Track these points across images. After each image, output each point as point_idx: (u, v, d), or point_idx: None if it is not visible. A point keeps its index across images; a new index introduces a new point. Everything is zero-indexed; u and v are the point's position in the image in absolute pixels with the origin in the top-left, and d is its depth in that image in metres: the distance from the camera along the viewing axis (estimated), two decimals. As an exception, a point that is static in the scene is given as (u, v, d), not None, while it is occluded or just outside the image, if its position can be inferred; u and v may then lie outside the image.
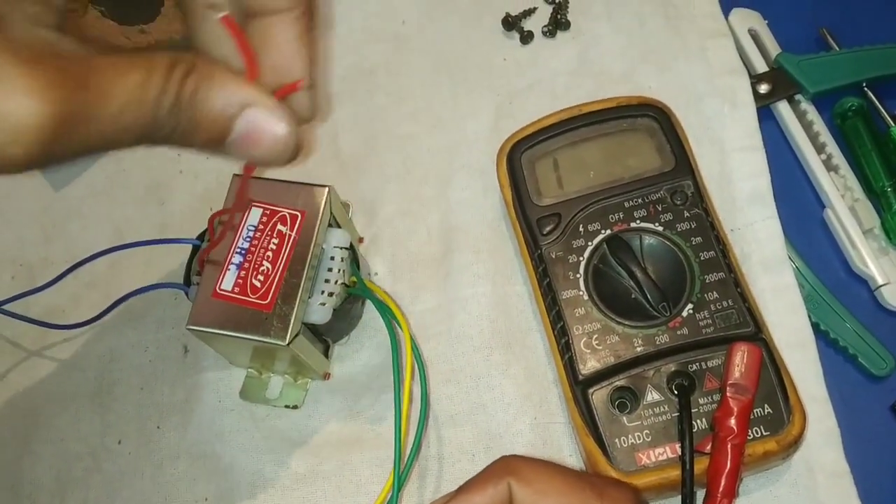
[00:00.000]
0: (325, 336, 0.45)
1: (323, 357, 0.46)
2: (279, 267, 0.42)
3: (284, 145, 0.31)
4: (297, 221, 0.43)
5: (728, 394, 0.38)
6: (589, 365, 0.41)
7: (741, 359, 0.38)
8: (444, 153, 0.51)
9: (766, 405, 0.39)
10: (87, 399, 0.48)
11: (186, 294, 0.44)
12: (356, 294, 0.44)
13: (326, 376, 0.46)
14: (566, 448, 0.43)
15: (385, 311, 0.42)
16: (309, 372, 0.46)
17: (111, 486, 0.46)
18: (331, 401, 0.46)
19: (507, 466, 0.32)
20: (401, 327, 0.41)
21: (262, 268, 0.42)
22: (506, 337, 0.46)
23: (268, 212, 0.43)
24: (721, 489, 0.37)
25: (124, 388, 0.48)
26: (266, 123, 0.30)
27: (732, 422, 0.37)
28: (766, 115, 0.50)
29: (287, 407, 0.46)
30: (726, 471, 0.37)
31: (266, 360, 0.46)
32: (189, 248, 0.45)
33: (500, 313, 0.46)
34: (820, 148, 0.48)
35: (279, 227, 0.43)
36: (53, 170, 0.54)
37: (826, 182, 0.47)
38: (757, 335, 0.40)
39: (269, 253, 0.42)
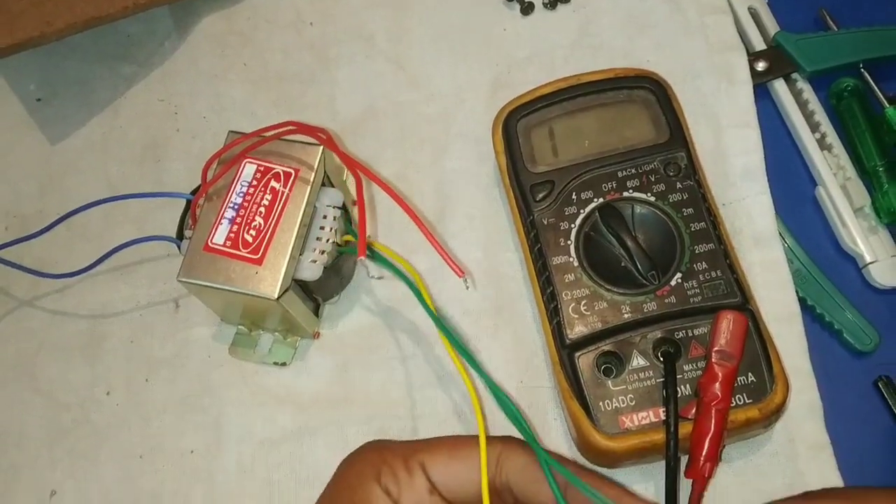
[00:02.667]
0: (315, 294, 0.45)
1: (313, 316, 0.46)
2: (271, 223, 0.42)
3: None
4: (291, 179, 0.43)
5: (713, 360, 0.38)
6: (576, 329, 0.41)
7: (727, 326, 0.38)
8: (441, 121, 0.51)
9: (749, 374, 0.39)
10: (78, 350, 0.48)
11: (178, 247, 0.44)
12: (347, 252, 0.44)
13: (316, 335, 0.47)
14: (551, 412, 0.44)
15: (396, 271, 0.41)
16: (299, 330, 0.46)
17: (98, 436, 0.46)
18: (320, 359, 0.46)
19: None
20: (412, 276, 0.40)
21: (254, 223, 0.42)
22: (495, 302, 0.46)
23: (262, 168, 0.43)
24: (704, 453, 0.37)
25: (114, 341, 0.48)
26: None
27: (717, 387, 0.38)
28: (762, 93, 0.50)
29: (276, 364, 0.46)
30: (710, 435, 0.37)
31: (256, 317, 0.46)
32: (183, 202, 0.45)
33: (491, 279, 0.47)
34: (814, 127, 0.49)
35: (272, 183, 0.43)
36: (51, 123, 0.54)
37: (819, 160, 0.48)
38: (744, 306, 0.41)
39: (262, 209, 0.42)
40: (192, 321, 0.48)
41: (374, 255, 0.42)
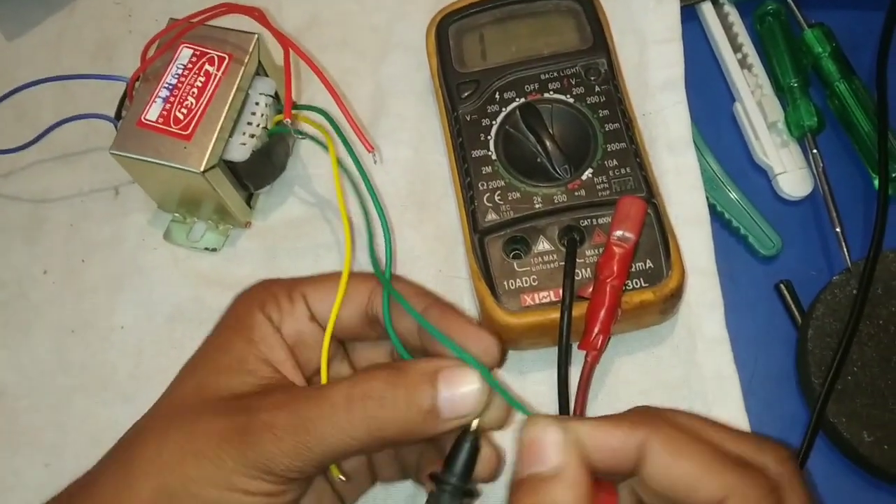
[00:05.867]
0: (246, 181, 0.47)
1: (244, 204, 0.48)
2: (202, 103, 0.44)
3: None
4: (224, 63, 0.45)
5: (611, 240, 0.40)
6: (489, 217, 0.43)
7: (627, 209, 0.40)
8: (383, 31, 0.53)
9: (647, 260, 0.41)
10: (19, 231, 0.50)
11: (115, 126, 0.46)
12: (277, 133, 0.46)
13: (247, 225, 0.49)
14: (466, 301, 0.46)
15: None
16: (231, 219, 0.48)
17: (33, 311, 0.48)
18: (249, 246, 0.48)
19: (647, 418, 0.30)
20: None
21: (186, 102, 0.44)
22: (421, 198, 0.48)
23: (197, 52, 0.45)
24: (597, 326, 0.39)
25: (54, 224, 0.50)
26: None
27: (613, 265, 0.40)
28: (691, 15, 0.52)
29: (207, 249, 0.48)
30: (603, 308, 0.39)
31: (190, 203, 0.48)
32: (124, 87, 0.47)
33: (418, 177, 0.49)
34: (737, 47, 0.51)
35: (207, 67, 0.45)
36: (8, 20, 0.56)
37: (738, 78, 0.49)
38: (649, 200, 0.43)
39: (195, 90, 0.44)
40: (131, 207, 0.50)
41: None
